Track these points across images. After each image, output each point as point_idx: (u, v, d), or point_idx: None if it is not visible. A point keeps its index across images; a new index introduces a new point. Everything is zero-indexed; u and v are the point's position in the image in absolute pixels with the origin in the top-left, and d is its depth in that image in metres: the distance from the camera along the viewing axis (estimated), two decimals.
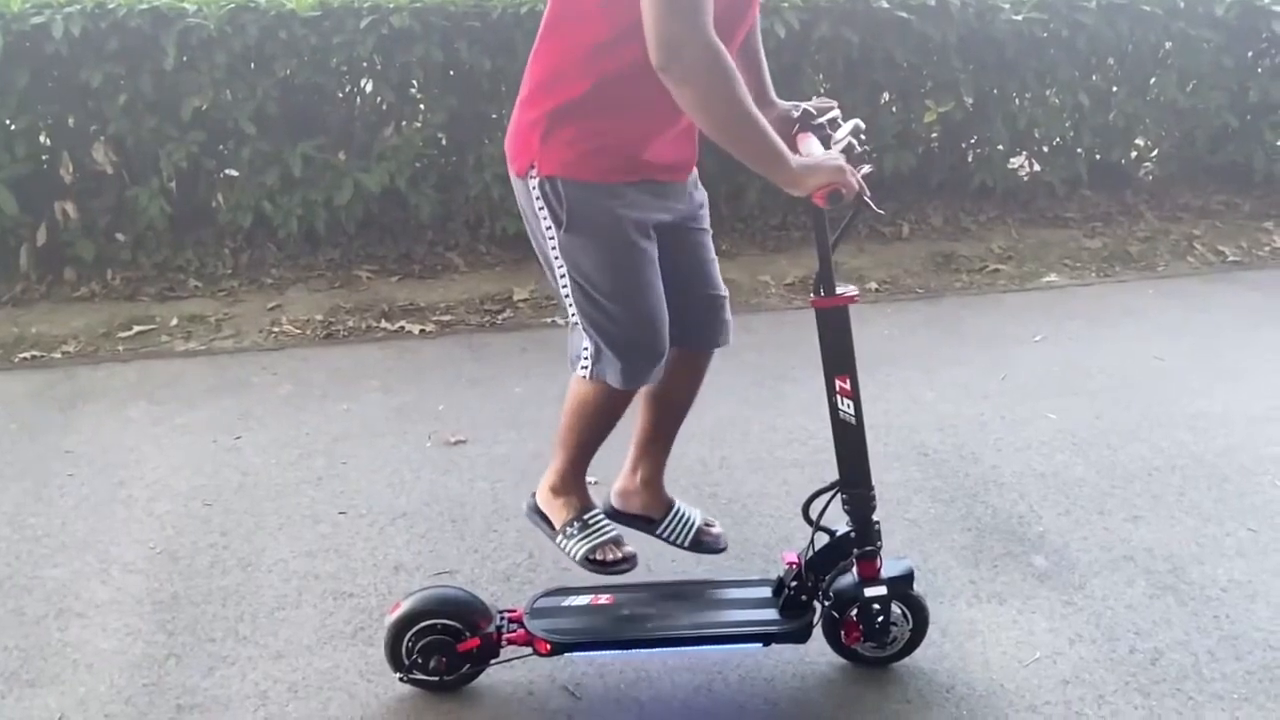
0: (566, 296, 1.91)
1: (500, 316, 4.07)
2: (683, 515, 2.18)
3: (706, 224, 2.04)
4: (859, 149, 1.89)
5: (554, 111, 1.78)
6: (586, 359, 1.94)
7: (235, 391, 3.45)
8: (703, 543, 2.16)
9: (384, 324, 4.00)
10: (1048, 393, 3.33)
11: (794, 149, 1.84)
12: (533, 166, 1.82)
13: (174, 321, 4.02)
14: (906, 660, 2.10)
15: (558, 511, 2.10)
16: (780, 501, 2.71)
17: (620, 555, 2.06)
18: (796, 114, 1.99)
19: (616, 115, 1.77)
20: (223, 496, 2.79)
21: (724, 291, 2.08)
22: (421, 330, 3.95)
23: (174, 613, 2.31)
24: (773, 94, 2.02)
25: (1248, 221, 5.09)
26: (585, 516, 2.08)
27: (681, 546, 2.17)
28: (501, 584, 2.39)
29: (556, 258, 1.87)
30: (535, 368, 3.58)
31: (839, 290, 1.86)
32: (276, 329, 3.96)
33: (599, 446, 2.09)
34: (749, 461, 2.91)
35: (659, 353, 1.92)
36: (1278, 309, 4.09)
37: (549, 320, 4.01)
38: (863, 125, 1.95)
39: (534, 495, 2.17)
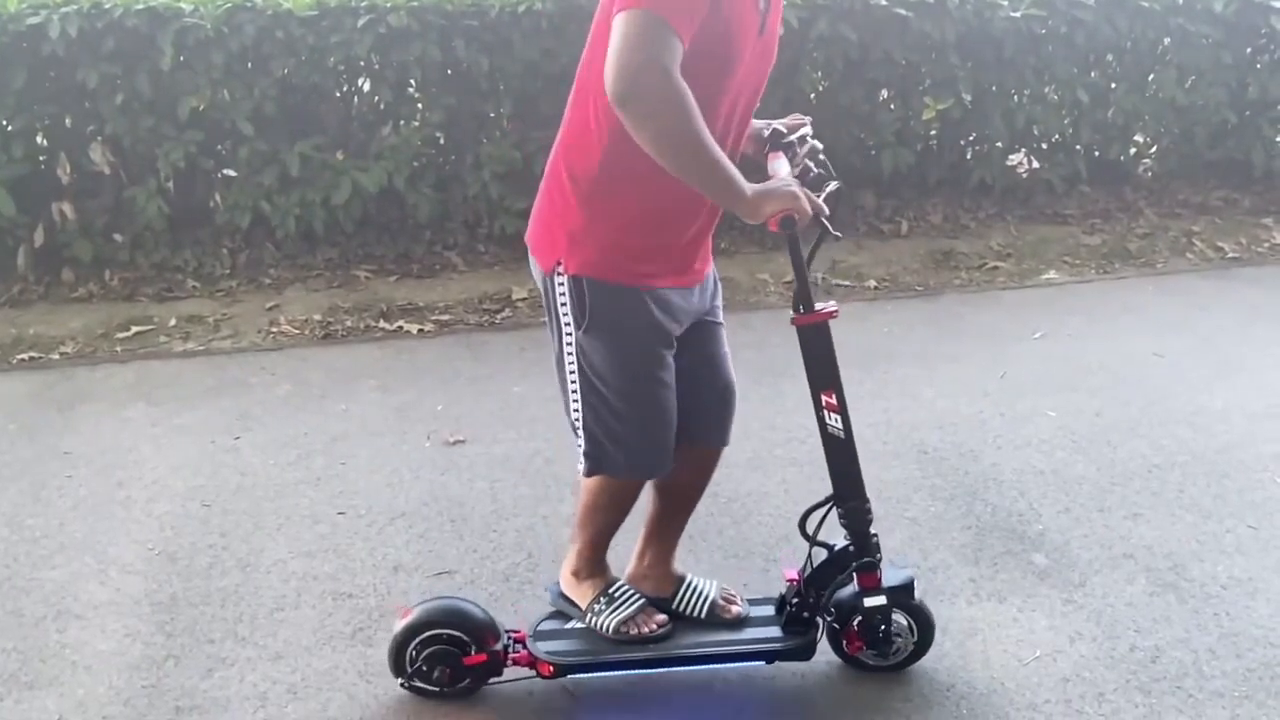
0: (574, 393, 1.88)
1: (499, 316, 4.07)
2: (695, 588, 2.12)
3: (720, 314, 2.03)
4: (814, 171, 1.90)
5: (586, 194, 1.75)
6: (584, 456, 1.92)
7: (234, 392, 3.44)
8: (719, 617, 2.10)
9: (382, 324, 4.00)
10: (1047, 390, 3.33)
11: (765, 168, 1.86)
12: (559, 264, 1.80)
13: (172, 322, 4.01)
14: (875, 668, 2.08)
15: (583, 594, 2.08)
16: (779, 500, 2.71)
17: (655, 624, 2.03)
18: (767, 133, 1.98)
19: (650, 192, 1.73)
20: (221, 497, 2.78)
21: (734, 384, 2.06)
22: (420, 330, 3.95)
23: (173, 614, 2.31)
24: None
25: (1247, 218, 5.08)
26: (611, 591, 2.07)
27: (699, 619, 2.11)
28: (500, 584, 2.39)
29: (570, 354, 1.86)
30: (534, 367, 3.57)
31: (818, 307, 1.85)
32: (275, 329, 3.95)
33: (616, 530, 2.08)
34: (748, 460, 2.91)
35: (668, 452, 1.92)
36: (1277, 305, 4.09)
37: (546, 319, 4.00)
38: (820, 147, 1.95)
39: (557, 584, 2.14)
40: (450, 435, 3.09)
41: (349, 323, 4.00)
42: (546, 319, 1.92)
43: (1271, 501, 2.67)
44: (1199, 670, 2.08)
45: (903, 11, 4.50)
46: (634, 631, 2.02)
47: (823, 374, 1.90)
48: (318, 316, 4.04)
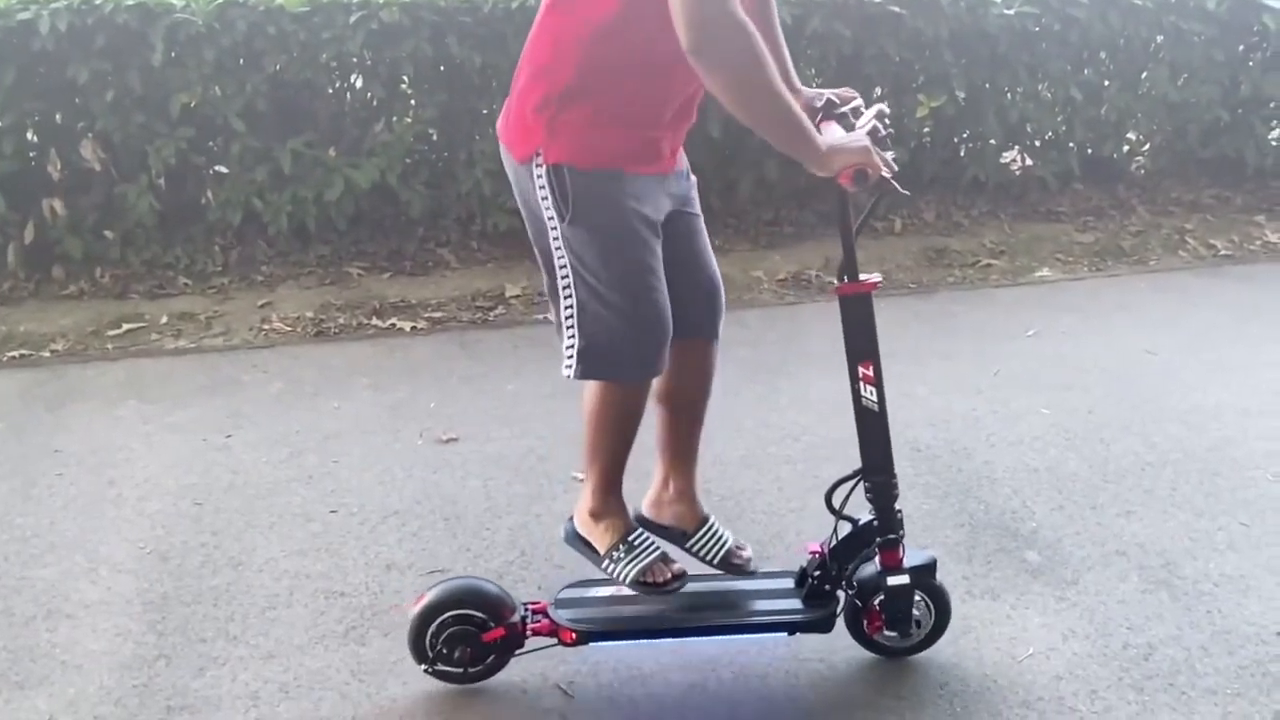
0: (566, 289, 1.85)
1: (492, 313, 4.06)
2: (716, 532, 2.12)
3: (698, 208, 2.03)
4: (884, 132, 1.89)
5: (560, 95, 1.74)
6: (571, 357, 1.87)
7: (225, 390, 3.43)
8: (731, 564, 2.10)
9: (375, 321, 3.99)
10: (1040, 387, 3.33)
11: None
12: (537, 153, 1.78)
13: (163, 319, 4.00)
14: (892, 652, 2.10)
15: (600, 537, 2.04)
16: (773, 498, 2.71)
17: (670, 574, 2.02)
18: (819, 103, 2.00)
19: (622, 97, 1.74)
20: (213, 495, 2.77)
21: (719, 277, 2.05)
22: (413, 327, 3.93)
23: (164, 613, 2.30)
24: (796, 80, 2.01)
25: (1239, 215, 5.10)
26: (630, 538, 2.03)
27: (710, 563, 2.10)
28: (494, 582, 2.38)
29: (558, 249, 1.83)
30: (528, 365, 3.57)
31: (862, 277, 1.88)
32: (267, 326, 3.94)
33: (627, 455, 2.02)
34: (742, 458, 2.91)
35: (662, 346, 1.89)
36: (1269, 303, 4.10)
37: (541, 317, 3.99)
38: (887, 110, 1.96)
39: (571, 521, 2.10)
40: (443, 433, 3.09)
41: (341, 320, 3.99)
42: (526, 219, 1.90)
43: (1264, 499, 2.68)
44: (1191, 667, 2.08)
45: (896, 9, 4.49)
46: (651, 580, 2.00)
47: (862, 345, 1.90)
48: (310, 314, 4.02)
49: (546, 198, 1.79)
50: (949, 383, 3.37)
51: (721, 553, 2.10)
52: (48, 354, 3.75)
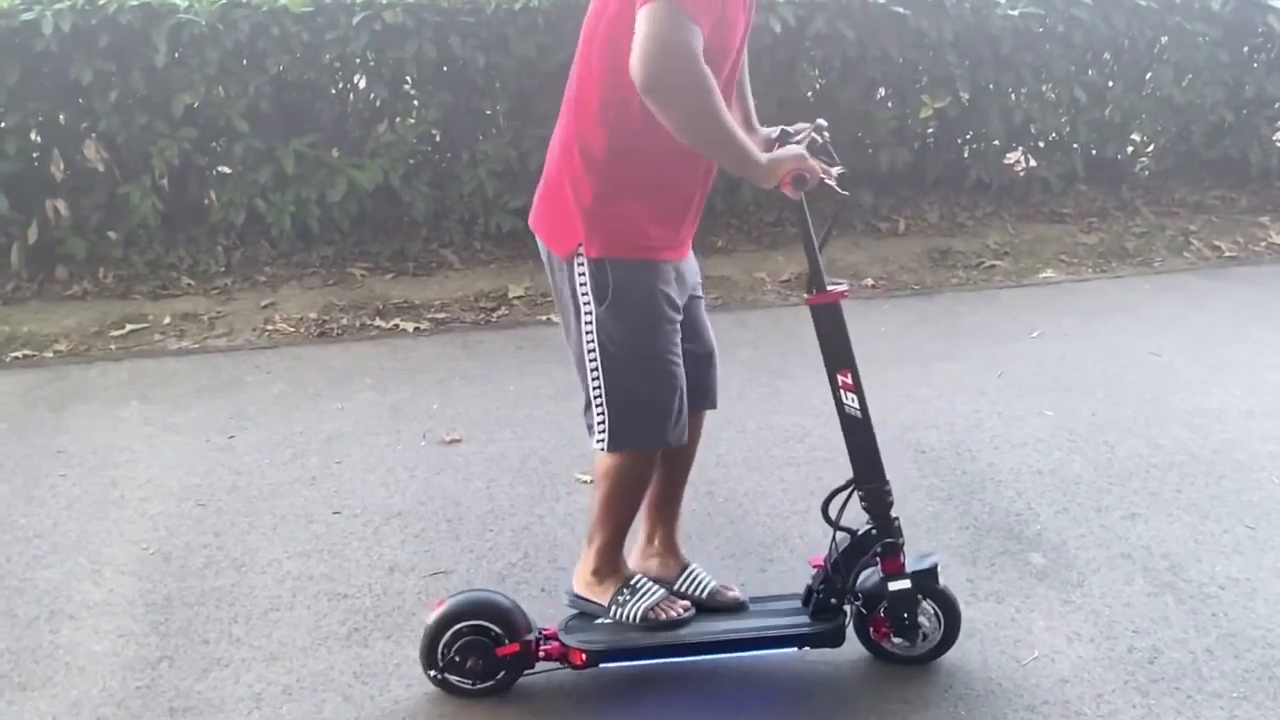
0: (593, 369, 1.94)
1: (495, 314, 4.05)
2: (697, 574, 2.18)
3: (701, 290, 2.14)
4: (820, 141, 2.02)
5: (594, 183, 1.85)
6: (602, 433, 1.96)
7: (228, 390, 3.43)
8: (719, 601, 2.13)
9: (378, 322, 3.98)
10: (1044, 389, 3.32)
11: None
12: (579, 249, 1.88)
13: (166, 320, 4.00)
14: (904, 660, 2.09)
15: (603, 592, 2.10)
16: (776, 500, 2.70)
17: (677, 611, 2.07)
18: (775, 134, 2.09)
19: (658, 193, 1.89)
20: (216, 497, 2.77)
21: (716, 349, 2.14)
22: (416, 328, 3.93)
23: (167, 614, 2.30)
24: (755, 122, 2.14)
25: (1244, 216, 5.09)
26: (632, 583, 2.10)
27: (700, 603, 2.13)
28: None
29: (589, 332, 1.91)
30: (530, 365, 3.56)
31: (830, 286, 1.92)
32: (270, 327, 3.94)
33: (633, 521, 2.11)
34: (745, 460, 2.90)
35: (684, 416, 1.99)
36: (1274, 304, 4.09)
37: (544, 318, 3.99)
38: (824, 123, 2.07)
39: (570, 590, 2.14)
40: (446, 434, 3.08)
41: (344, 321, 3.98)
42: (559, 303, 1.99)
43: (1269, 501, 2.67)
44: (1197, 671, 2.07)
45: (901, 10, 4.49)
46: (660, 617, 2.05)
47: (837, 353, 1.94)
48: (313, 315, 4.02)
49: (585, 286, 1.90)
50: (953, 384, 3.36)
51: (708, 590, 2.14)
52: (50, 354, 3.75)
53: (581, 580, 2.12)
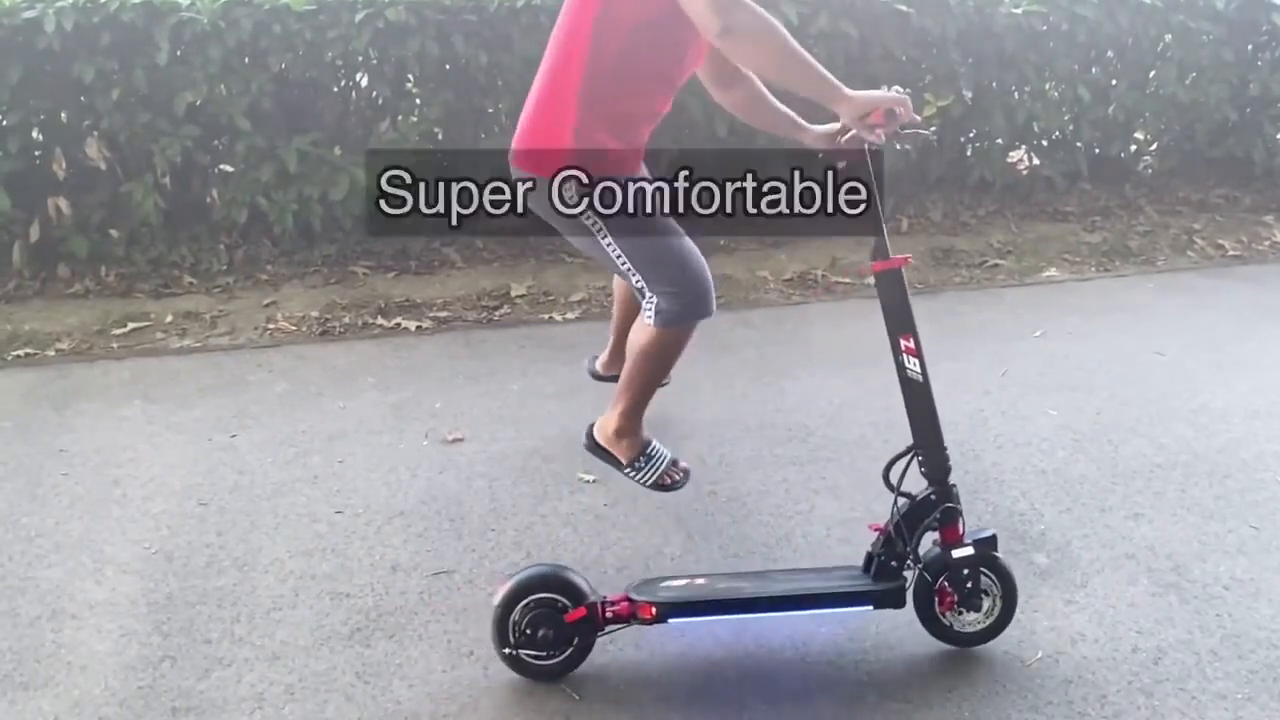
0: (627, 268, 2.16)
1: (498, 313, 4.05)
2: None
3: None
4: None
5: (578, 107, 2.07)
6: (651, 312, 2.17)
7: (231, 389, 3.42)
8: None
9: (380, 321, 3.98)
10: (1048, 388, 3.31)
11: (800, 143, 2.30)
12: (562, 170, 2.07)
13: (169, 318, 3.99)
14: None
15: (624, 450, 2.39)
16: (780, 499, 2.69)
17: (680, 474, 2.43)
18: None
19: (625, 115, 2.12)
20: (218, 496, 2.77)
21: None
22: (418, 327, 3.93)
23: (169, 614, 2.29)
24: (774, 100, 2.33)
25: (1248, 215, 5.08)
26: (647, 451, 2.40)
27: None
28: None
29: (605, 240, 2.13)
30: (533, 364, 3.56)
31: (893, 255, 2.02)
32: (272, 326, 3.93)
33: (658, 387, 2.37)
34: (748, 459, 2.89)
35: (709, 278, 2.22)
36: (1278, 303, 4.08)
37: (546, 316, 3.99)
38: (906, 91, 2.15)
39: (591, 433, 2.43)
40: (449, 433, 3.08)
41: (347, 320, 3.98)
42: (562, 230, 2.21)
43: (1274, 501, 2.66)
44: (1201, 672, 2.07)
45: (904, 7, 4.48)
46: (667, 482, 2.40)
47: (900, 318, 2.02)
48: (315, 313, 4.02)
49: (576, 201, 2.10)
50: (956, 383, 3.35)
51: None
52: (53, 353, 3.75)
53: (603, 433, 2.40)
